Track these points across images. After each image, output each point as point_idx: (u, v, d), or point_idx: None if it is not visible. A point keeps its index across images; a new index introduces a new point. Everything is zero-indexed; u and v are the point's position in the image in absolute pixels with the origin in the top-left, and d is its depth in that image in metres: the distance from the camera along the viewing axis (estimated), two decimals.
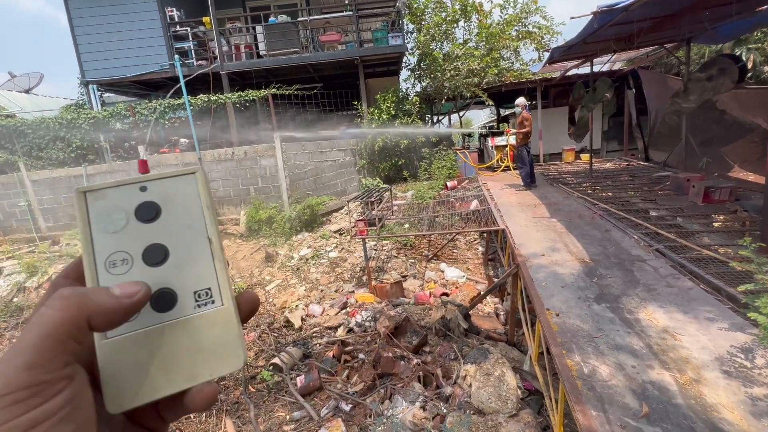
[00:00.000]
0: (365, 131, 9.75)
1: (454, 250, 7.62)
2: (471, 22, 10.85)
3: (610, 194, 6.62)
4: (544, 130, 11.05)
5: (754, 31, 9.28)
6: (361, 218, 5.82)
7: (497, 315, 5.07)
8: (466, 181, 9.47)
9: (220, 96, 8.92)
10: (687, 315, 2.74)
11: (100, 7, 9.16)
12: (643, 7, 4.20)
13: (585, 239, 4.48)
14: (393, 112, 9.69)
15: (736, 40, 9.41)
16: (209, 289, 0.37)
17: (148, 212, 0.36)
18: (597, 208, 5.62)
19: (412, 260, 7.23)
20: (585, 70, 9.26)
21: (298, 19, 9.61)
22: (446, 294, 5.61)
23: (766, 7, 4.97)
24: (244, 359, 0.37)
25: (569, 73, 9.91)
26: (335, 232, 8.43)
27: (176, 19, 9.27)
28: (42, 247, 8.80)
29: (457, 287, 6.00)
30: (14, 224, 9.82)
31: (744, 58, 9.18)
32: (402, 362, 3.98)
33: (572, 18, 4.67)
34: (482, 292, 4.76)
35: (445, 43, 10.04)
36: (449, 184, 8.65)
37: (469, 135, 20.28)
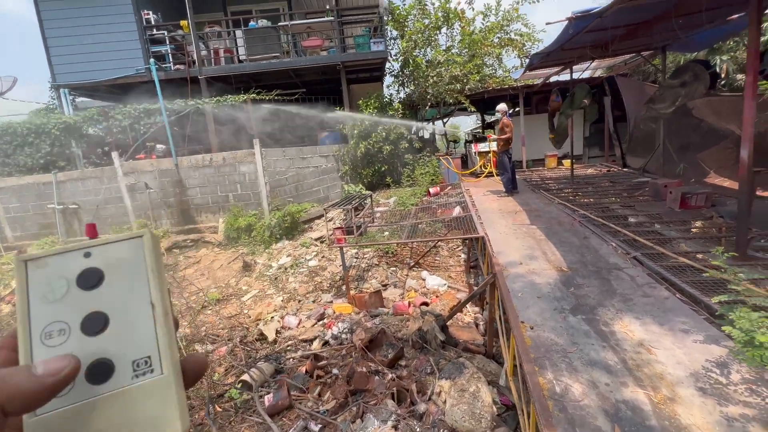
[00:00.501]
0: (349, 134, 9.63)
1: (437, 258, 7.51)
2: (453, 29, 10.89)
3: (590, 200, 6.61)
4: (527, 136, 11.11)
5: (727, 40, 9.52)
6: (338, 226, 5.67)
7: (477, 325, 4.95)
8: (449, 187, 9.41)
9: (198, 101, 8.69)
10: (663, 327, 2.65)
11: (72, 9, 8.88)
12: (616, 14, 4.20)
13: (564, 247, 4.41)
14: (375, 117, 9.59)
15: (710, 48, 9.64)
16: (149, 357, 0.36)
17: (90, 279, 0.36)
18: (577, 214, 5.59)
19: (394, 268, 7.09)
20: (566, 76, 9.36)
21: (279, 23, 9.48)
22: (426, 303, 5.47)
23: (737, 16, 5.05)
24: (183, 429, 0.36)
25: (550, 79, 10.00)
26: (316, 239, 8.24)
27: (153, 23, 9.04)
28: (6, 258, 8.37)
29: (437, 296, 5.88)
30: None
31: (717, 66, 9.40)
32: (376, 377, 3.81)
33: (548, 24, 4.65)
34: (460, 302, 4.64)
35: (428, 50, 10.02)
36: (432, 190, 8.56)
37: (455, 141, 20.40)
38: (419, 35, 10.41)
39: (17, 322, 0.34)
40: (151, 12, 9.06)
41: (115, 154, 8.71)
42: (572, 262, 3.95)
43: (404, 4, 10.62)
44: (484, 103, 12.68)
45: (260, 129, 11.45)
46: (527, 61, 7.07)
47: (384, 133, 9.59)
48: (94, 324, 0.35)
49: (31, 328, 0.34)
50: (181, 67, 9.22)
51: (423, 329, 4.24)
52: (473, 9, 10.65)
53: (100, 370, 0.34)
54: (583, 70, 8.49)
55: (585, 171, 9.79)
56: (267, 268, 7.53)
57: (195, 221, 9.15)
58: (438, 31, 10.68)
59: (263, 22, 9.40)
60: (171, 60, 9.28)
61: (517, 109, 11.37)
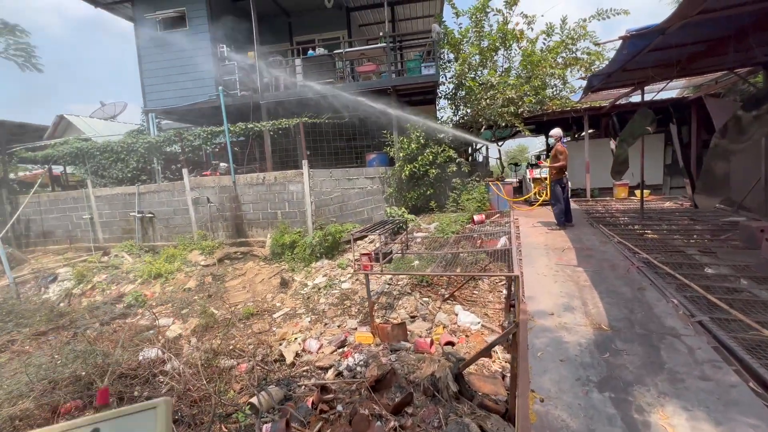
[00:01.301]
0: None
1: (475, 291, 6.97)
2: (511, 50, 10.43)
3: (660, 241, 5.64)
4: (592, 162, 10.06)
5: None
6: (366, 252, 5.54)
7: (503, 376, 4.40)
8: (498, 215, 8.81)
9: (256, 124, 9.38)
10: (720, 427, 2.04)
11: (163, 46, 10.28)
12: (685, 31, 3.59)
13: (610, 298, 3.75)
14: (423, 141, 9.45)
15: None
16: None
17: None
18: (636, 258, 4.78)
19: (427, 299, 6.73)
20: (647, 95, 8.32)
21: (335, 51, 9.94)
22: (451, 343, 5.04)
23: None
24: None
25: (621, 101, 9.00)
26: (355, 260, 8.22)
27: (226, 54, 10.07)
28: (93, 258, 9.71)
29: (467, 335, 5.39)
30: (79, 234, 11.03)
31: None
32: (378, 423, 3.53)
33: (597, 44, 4.14)
34: (479, 351, 4.16)
35: (482, 72, 9.71)
36: (476, 218, 8.08)
37: (516, 165, 19.35)
38: (474, 58, 10.15)
39: None
40: (225, 45, 10.11)
41: (185, 171, 9.72)
42: (616, 318, 3.32)
43: (460, 27, 10.49)
44: (544, 125, 11.85)
45: (310, 150, 12.00)
46: (586, 83, 6.41)
47: (431, 156, 9.38)
48: None
49: None
50: (246, 93, 10.08)
51: (436, 375, 3.86)
52: (532, 29, 10.13)
53: None
54: (659, 91, 7.48)
55: (662, 204, 8.50)
56: (302, 287, 7.66)
57: (246, 235, 9.75)
58: (495, 53, 10.31)
59: (321, 51, 9.94)
60: (239, 87, 10.19)
61: (580, 133, 10.41)
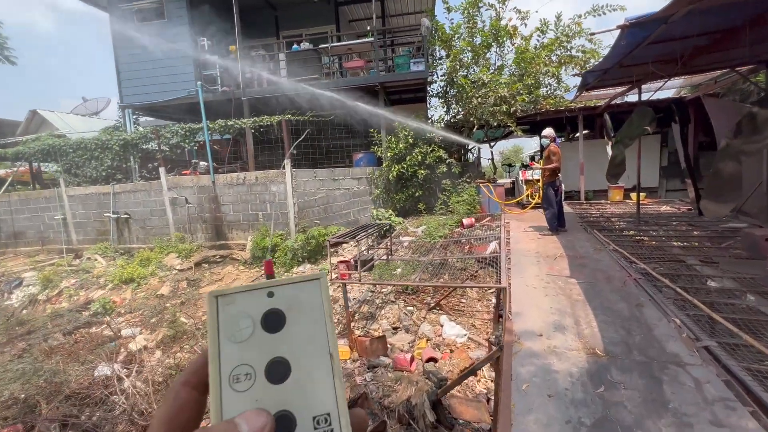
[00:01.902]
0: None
1: (462, 300, 6.60)
2: (504, 47, 10.07)
3: (657, 249, 5.30)
4: (586, 163, 9.74)
5: None
6: (344, 259, 5.15)
7: (488, 399, 4.02)
8: (489, 218, 8.44)
9: (236, 121, 8.94)
10: None
11: (140, 38, 9.78)
12: (690, 20, 3.22)
13: (605, 316, 3.38)
14: (411, 141, 9.06)
15: None
16: (328, 414, 0.34)
17: (275, 321, 0.35)
18: (633, 268, 4.42)
19: (411, 307, 6.34)
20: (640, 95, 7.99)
21: (320, 46, 9.52)
22: (434, 359, 4.65)
23: None
24: None
25: (617, 100, 8.67)
26: (332, 268, 7.81)
27: (206, 48, 9.61)
28: (62, 261, 9.20)
29: (451, 350, 5.01)
30: (52, 236, 10.49)
31: None
32: None
33: (593, 35, 3.77)
34: (460, 375, 3.78)
35: (474, 69, 9.32)
36: (465, 221, 7.71)
37: (510, 165, 19.03)
38: (465, 54, 9.77)
39: (209, 360, 0.33)
40: (205, 39, 9.64)
41: (162, 170, 9.24)
42: (612, 342, 2.95)
43: (452, 23, 10.10)
44: (538, 125, 11.51)
45: (298, 149, 11.56)
46: (581, 80, 6.05)
47: (420, 157, 9.00)
48: (278, 371, 0.34)
49: (221, 369, 0.33)
50: (228, 89, 9.62)
51: (412, 402, 3.47)
52: (526, 25, 9.76)
53: (283, 424, 0.33)
54: (656, 90, 7.15)
55: (658, 208, 8.18)
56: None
57: (226, 237, 9.30)
58: (487, 50, 9.94)
59: (305, 45, 9.51)
60: (219, 82, 9.73)
61: (575, 133, 10.09)
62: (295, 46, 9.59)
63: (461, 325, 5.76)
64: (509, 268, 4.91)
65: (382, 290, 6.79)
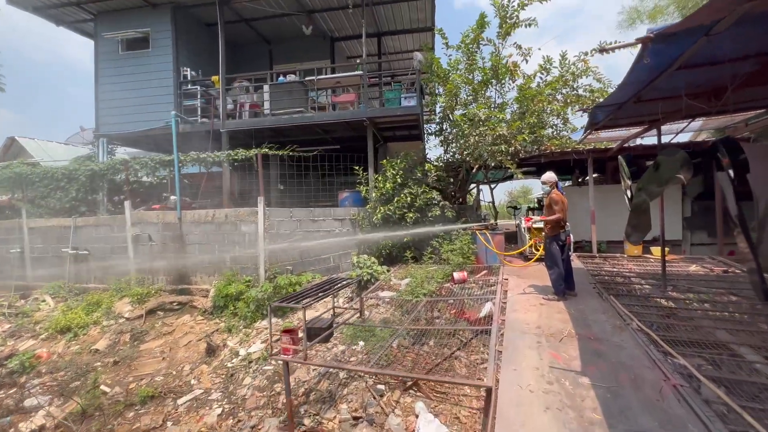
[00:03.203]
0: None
1: (448, 375, 5.33)
2: (504, 84, 9.40)
3: (694, 329, 4.08)
4: (598, 211, 8.65)
5: None
6: (289, 328, 4.04)
7: None
8: (485, 271, 7.29)
9: (209, 154, 8.22)
10: None
11: (123, 67, 9.43)
12: (745, 32, 2.28)
13: None
14: (400, 180, 8.17)
15: None
16: None
17: None
18: (669, 363, 3.22)
19: (383, 386, 5.09)
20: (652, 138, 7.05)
21: (306, 78, 8.99)
22: None
23: None
24: None
25: (630, 143, 7.74)
26: (318, 317, 6.64)
27: (189, 78, 9.15)
28: (6, 301, 8.23)
29: None
30: (9, 270, 9.61)
31: None
32: None
33: (602, 51, 2.88)
34: None
35: (472, 107, 8.59)
36: (456, 276, 6.57)
37: (515, 208, 17.99)
38: (463, 90, 9.12)
39: None
40: (189, 69, 9.22)
41: (127, 203, 8.46)
42: None
43: (450, 59, 9.55)
44: (544, 168, 10.59)
45: (282, 185, 10.77)
46: (589, 117, 5.14)
47: (409, 198, 8.05)
48: None
49: None
50: (207, 120, 9.03)
51: None
52: (527, 61, 9.13)
53: None
54: (677, 133, 6.21)
55: (686, 267, 6.94)
56: (233, 356, 6.05)
57: (189, 281, 8.28)
58: (486, 87, 9.28)
59: (292, 77, 8.98)
60: (200, 113, 9.18)
61: (586, 177, 9.11)
62: (281, 78, 9.08)
63: (441, 417, 4.48)
64: (500, 352, 3.74)
65: (350, 359, 5.58)
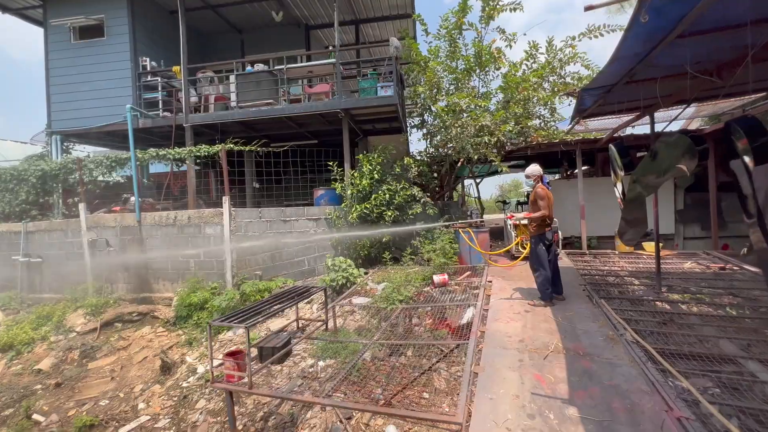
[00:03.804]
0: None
1: (425, 391, 4.83)
2: (489, 73, 8.87)
3: (696, 339, 3.62)
4: (588, 205, 8.21)
5: None
6: (233, 350, 3.48)
7: None
8: (468, 272, 6.79)
9: (169, 150, 7.56)
10: None
11: (77, 58, 8.68)
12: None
13: None
14: (377, 176, 7.61)
15: None
16: None
17: None
18: (670, 386, 2.73)
19: (348, 407, 4.56)
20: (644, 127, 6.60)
21: (275, 67, 8.34)
22: None
23: None
24: None
25: (621, 132, 7.27)
26: (277, 332, 6.08)
27: (148, 68, 8.44)
28: None
29: None
30: None
31: None
32: None
33: (588, 8, 2.35)
34: None
35: (452, 96, 8.03)
36: (436, 279, 6.05)
37: (504, 203, 17.57)
38: (444, 78, 8.57)
39: None
40: (149, 59, 8.50)
41: (81, 206, 7.77)
42: None
43: (431, 45, 8.98)
44: (532, 161, 10.13)
45: (257, 183, 10.15)
46: (575, 103, 4.62)
47: (387, 195, 7.50)
48: None
49: None
50: (169, 114, 8.35)
51: None
52: (511, 47, 8.58)
53: None
54: (672, 119, 5.75)
55: (681, 264, 6.53)
56: (190, 374, 5.47)
57: (152, 288, 7.64)
58: (469, 76, 8.73)
59: (260, 66, 8.33)
60: (161, 107, 8.49)
61: (575, 170, 8.67)
62: (249, 67, 8.41)
63: None
64: (476, 375, 3.22)
65: (319, 376, 5.04)
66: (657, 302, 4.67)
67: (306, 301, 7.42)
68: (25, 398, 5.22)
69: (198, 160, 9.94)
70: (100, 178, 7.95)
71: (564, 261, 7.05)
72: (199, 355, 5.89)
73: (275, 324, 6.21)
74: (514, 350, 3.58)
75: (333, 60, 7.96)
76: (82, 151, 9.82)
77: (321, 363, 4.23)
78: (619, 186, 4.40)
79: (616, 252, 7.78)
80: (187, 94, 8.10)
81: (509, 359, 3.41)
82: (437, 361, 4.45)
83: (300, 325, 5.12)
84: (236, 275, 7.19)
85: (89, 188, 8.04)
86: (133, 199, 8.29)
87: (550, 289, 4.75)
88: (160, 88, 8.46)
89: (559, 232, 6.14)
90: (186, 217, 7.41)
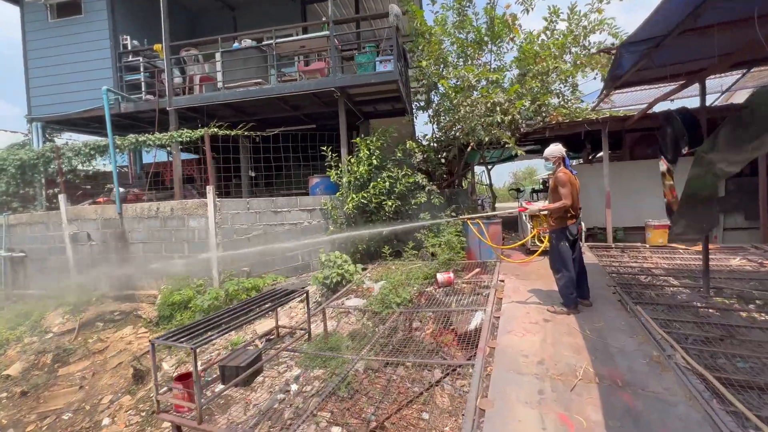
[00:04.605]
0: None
1: (423, 414, 4.16)
2: (502, 45, 7.91)
3: (764, 353, 2.81)
4: (614, 192, 7.29)
5: None
6: (183, 373, 2.86)
7: None
8: (478, 269, 6.03)
9: (149, 136, 6.94)
10: None
11: (54, 38, 8.09)
12: None
13: None
14: (377, 162, 6.85)
15: None
16: None
17: None
18: None
19: (338, 428, 3.93)
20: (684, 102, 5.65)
21: (263, 42, 7.57)
22: None
23: None
24: None
25: (657, 107, 6.30)
26: (263, 336, 5.49)
27: (128, 48, 7.79)
28: None
29: None
30: None
31: None
32: None
33: None
34: None
35: (459, 70, 7.13)
36: (440, 278, 5.31)
37: (518, 191, 16.55)
38: (451, 54, 7.67)
39: None
40: (129, 37, 7.84)
41: (61, 198, 7.27)
42: None
43: (437, 14, 8.04)
44: (547, 144, 9.17)
45: (253, 171, 9.52)
46: (613, 67, 3.73)
47: (387, 183, 6.76)
48: None
49: None
50: (152, 97, 7.71)
51: None
52: (528, 12, 7.58)
53: None
54: (726, 90, 4.81)
55: (727, 261, 5.62)
56: (165, 382, 4.93)
57: (135, 286, 7.14)
58: (480, 49, 7.80)
59: (247, 42, 7.57)
60: (144, 89, 7.86)
61: (595, 153, 7.75)
62: (235, 44, 7.67)
63: None
64: (483, 412, 2.50)
65: (305, 388, 4.41)
66: (707, 308, 3.84)
67: (299, 299, 6.83)
68: None
69: (194, 148, 9.35)
70: (80, 167, 7.41)
71: (587, 256, 6.20)
72: (176, 361, 5.34)
73: (262, 327, 5.61)
74: (531, 376, 2.84)
75: (326, 33, 7.14)
76: (69, 139, 9.32)
77: (293, 386, 3.57)
78: (663, 166, 3.55)
79: (647, 245, 6.88)
80: (170, 75, 7.43)
81: (526, 389, 2.68)
82: (438, 381, 3.75)
83: (281, 333, 4.49)
84: (223, 272, 6.61)
85: (70, 178, 7.54)
86: (120, 189, 7.76)
87: (575, 293, 3.96)
88: (142, 69, 7.81)
89: (582, 224, 5.31)
90: (169, 208, 6.83)
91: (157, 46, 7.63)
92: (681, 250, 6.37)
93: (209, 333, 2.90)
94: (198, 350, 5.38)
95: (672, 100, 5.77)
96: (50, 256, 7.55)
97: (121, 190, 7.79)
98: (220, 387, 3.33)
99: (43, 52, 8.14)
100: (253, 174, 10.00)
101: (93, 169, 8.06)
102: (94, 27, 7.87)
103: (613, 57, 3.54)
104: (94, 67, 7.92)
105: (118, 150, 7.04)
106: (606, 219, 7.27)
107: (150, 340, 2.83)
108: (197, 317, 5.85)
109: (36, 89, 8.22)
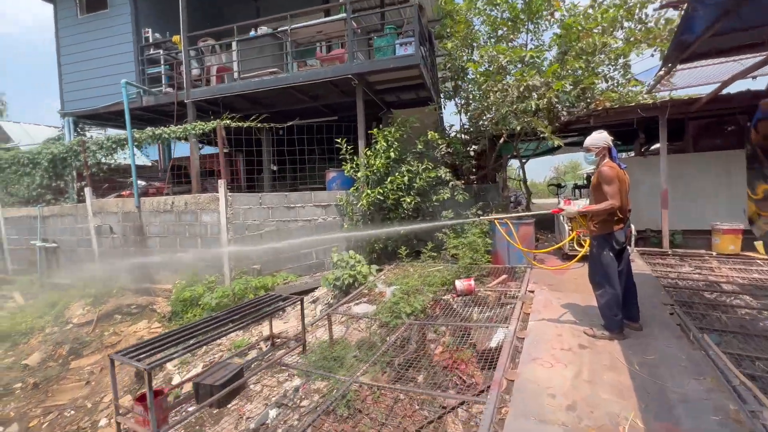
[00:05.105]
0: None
1: None
2: (540, 24, 7.02)
3: None
4: (672, 190, 6.25)
5: None
6: (143, 392, 2.54)
7: None
8: (505, 275, 5.34)
9: (165, 129, 6.84)
10: None
11: (83, 33, 8.25)
12: None
13: None
14: (395, 155, 6.31)
15: None
16: None
17: None
18: None
19: None
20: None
21: (279, 29, 7.20)
22: None
23: None
24: None
25: (730, 87, 5.22)
26: (266, 338, 5.20)
27: (150, 41, 7.77)
28: None
29: None
30: None
31: None
32: None
33: None
34: None
35: (486, 48, 6.36)
36: (458, 285, 4.71)
37: (559, 186, 15.22)
38: (481, 35, 6.91)
39: None
40: (151, 30, 7.82)
41: (87, 191, 7.42)
42: None
43: None
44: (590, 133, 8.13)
45: (275, 165, 9.31)
46: (680, 32, 2.93)
47: (407, 178, 6.20)
48: None
49: None
50: (171, 90, 7.65)
51: None
52: None
53: None
54: None
55: None
56: (165, 383, 4.75)
57: (153, 280, 7.14)
58: (515, 28, 6.97)
59: (263, 30, 7.27)
60: (164, 82, 7.82)
61: (656, 145, 6.73)
62: (252, 32, 7.39)
63: None
64: None
65: (303, 402, 4.02)
66: None
67: (310, 300, 6.49)
68: (1, 399, 4.86)
69: (216, 142, 9.26)
70: (104, 160, 7.51)
71: (637, 264, 5.31)
72: (180, 361, 5.17)
73: (267, 330, 5.31)
74: (557, 426, 2.21)
75: (343, 15, 6.65)
76: (100, 133, 9.58)
77: (288, 401, 3.17)
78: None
79: (713, 253, 5.81)
80: (187, 67, 7.31)
81: None
82: (452, 408, 3.19)
83: (275, 343, 4.12)
84: (234, 268, 6.41)
85: (95, 171, 7.67)
86: (141, 183, 7.82)
87: (620, 315, 3.22)
88: (162, 62, 7.77)
89: (632, 226, 4.46)
90: (183, 202, 6.72)
91: (176, 38, 7.53)
92: (759, 261, 5.28)
93: (173, 350, 2.55)
94: (200, 351, 5.14)
95: (755, 77, 4.73)
96: (78, 248, 7.76)
97: (143, 183, 7.86)
98: (193, 408, 2.99)
99: (73, 48, 8.35)
100: (275, 168, 9.80)
101: (119, 163, 8.18)
102: (118, 21, 7.92)
103: (683, 16, 2.74)
104: (118, 61, 8.00)
105: (137, 143, 7.03)
106: (662, 220, 6.25)
107: (110, 356, 2.52)
108: (205, 315, 5.68)
109: (68, 84, 8.47)
